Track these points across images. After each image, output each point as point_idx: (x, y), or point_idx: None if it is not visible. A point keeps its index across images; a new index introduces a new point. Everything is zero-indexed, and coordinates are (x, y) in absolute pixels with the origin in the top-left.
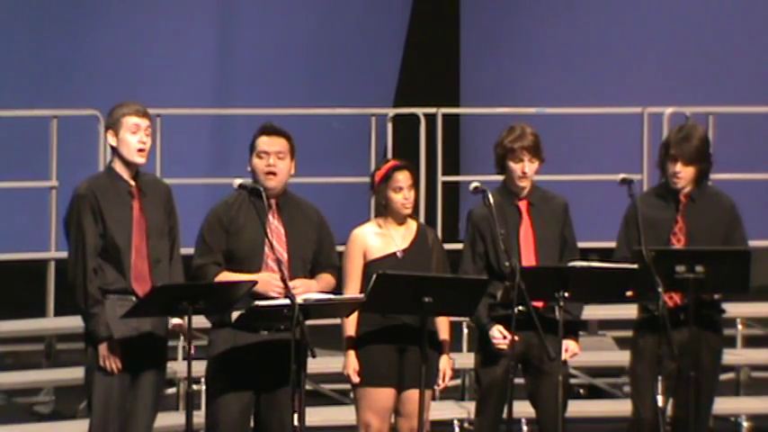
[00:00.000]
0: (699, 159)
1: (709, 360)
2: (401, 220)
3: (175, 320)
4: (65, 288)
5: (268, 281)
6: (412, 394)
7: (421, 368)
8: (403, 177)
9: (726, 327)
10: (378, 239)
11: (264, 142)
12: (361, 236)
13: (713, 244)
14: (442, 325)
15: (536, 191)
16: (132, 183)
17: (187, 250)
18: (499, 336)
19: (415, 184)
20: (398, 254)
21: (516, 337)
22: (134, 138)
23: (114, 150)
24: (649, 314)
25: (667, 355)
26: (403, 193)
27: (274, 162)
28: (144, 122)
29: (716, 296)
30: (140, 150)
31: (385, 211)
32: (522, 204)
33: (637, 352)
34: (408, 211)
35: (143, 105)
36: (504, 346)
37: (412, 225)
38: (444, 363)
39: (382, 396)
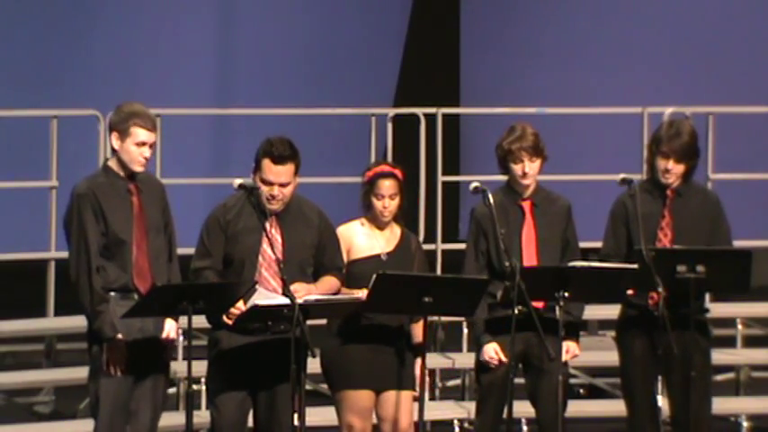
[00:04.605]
0: (690, 156)
1: (700, 361)
2: (381, 225)
3: (167, 332)
4: (65, 288)
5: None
6: (389, 396)
7: (423, 369)
8: (386, 185)
9: (726, 327)
10: (364, 239)
11: (270, 171)
12: (347, 234)
13: (699, 238)
14: (417, 329)
15: (540, 191)
16: (130, 180)
17: (185, 250)
18: (495, 357)
19: (403, 191)
20: (383, 256)
21: (505, 359)
22: (138, 150)
23: (114, 151)
24: (636, 312)
25: (668, 354)
26: (383, 202)
27: (278, 192)
28: (151, 138)
29: (707, 296)
30: (140, 162)
31: (367, 212)
32: (526, 205)
33: (625, 352)
34: (387, 219)
35: (153, 117)
36: (495, 364)
37: (396, 230)
38: (417, 366)
39: (362, 397)
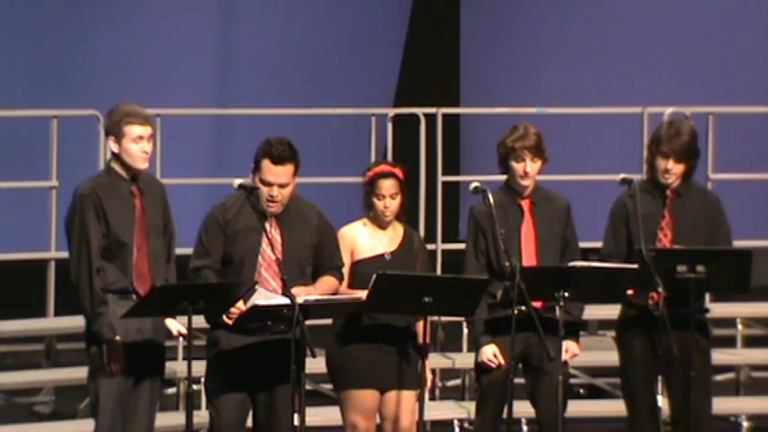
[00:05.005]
0: (689, 156)
1: (700, 361)
2: (383, 225)
3: (176, 329)
4: (65, 288)
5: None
6: (393, 395)
7: (421, 369)
8: (387, 185)
9: (726, 327)
10: (366, 240)
11: (269, 171)
12: (350, 235)
13: (699, 238)
14: (422, 329)
15: (539, 191)
16: (132, 182)
17: (185, 250)
18: (494, 360)
19: (404, 190)
20: (387, 256)
21: (504, 362)
22: (137, 147)
23: (115, 155)
24: (636, 312)
25: (668, 354)
26: (384, 202)
27: (278, 193)
28: (147, 131)
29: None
30: (143, 158)
31: (369, 212)
32: (525, 204)
33: (625, 352)
34: (388, 219)
35: (145, 112)
36: (493, 366)
37: (399, 228)
38: (423, 366)
39: (366, 397)
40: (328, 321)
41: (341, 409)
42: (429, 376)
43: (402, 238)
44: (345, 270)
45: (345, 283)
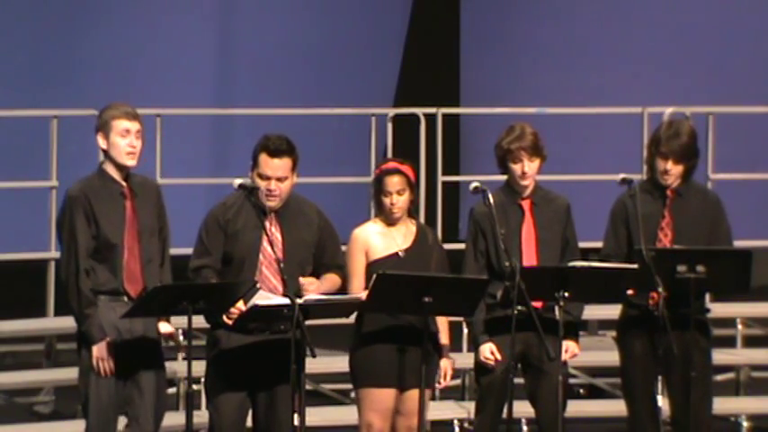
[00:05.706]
0: (688, 156)
1: (700, 361)
2: (393, 222)
3: (165, 329)
4: (64, 288)
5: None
6: (412, 393)
7: (421, 368)
8: (393, 182)
9: (726, 327)
10: (380, 239)
11: (267, 164)
12: (363, 236)
13: (699, 238)
14: (443, 328)
15: (539, 191)
16: (124, 183)
17: (185, 251)
18: (491, 357)
19: (412, 186)
20: (401, 253)
21: (500, 358)
22: (124, 141)
23: (105, 153)
24: (637, 312)
25: (668, 354)
26: (391, 198)
27: (275, 187)
28: (134, 126)
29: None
30: (130, 153)
31: (379, 210)
32: (525, 204)
33: (626, 352)
34: (397, 216)
35: (133, 108)
36: (492, 364)
37: (412, 225)
38: (445, 363)
39: (385, 396)
40: (350, 321)
41: (358, 408)
42: (450, 373)
43: (415, 234)
44: (361, 272)
45: (362, 284)
